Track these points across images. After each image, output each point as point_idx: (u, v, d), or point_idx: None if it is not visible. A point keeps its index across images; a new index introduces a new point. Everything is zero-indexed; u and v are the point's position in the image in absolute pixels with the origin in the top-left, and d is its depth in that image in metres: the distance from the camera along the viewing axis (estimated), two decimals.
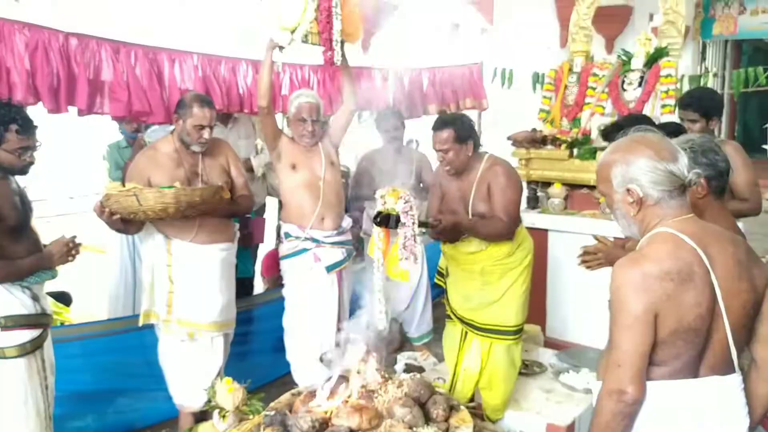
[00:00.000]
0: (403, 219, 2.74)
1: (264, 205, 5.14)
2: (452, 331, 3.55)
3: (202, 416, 3.51)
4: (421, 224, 2.95)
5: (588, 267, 2.81)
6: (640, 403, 1.71)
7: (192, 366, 3.51)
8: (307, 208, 3.77)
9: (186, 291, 3.45)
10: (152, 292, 3.48)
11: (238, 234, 3.77)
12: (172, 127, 3.57)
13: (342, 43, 3.48)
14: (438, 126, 3.23)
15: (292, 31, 3.34)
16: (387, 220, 2.77)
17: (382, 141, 4.78)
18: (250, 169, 4.62)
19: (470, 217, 3.27)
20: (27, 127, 2.71)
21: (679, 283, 1.66)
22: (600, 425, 1.74)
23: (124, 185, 3.16)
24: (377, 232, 2.84)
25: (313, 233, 3.78)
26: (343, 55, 3.54)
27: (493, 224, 3.19)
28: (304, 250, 3.79)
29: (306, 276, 3.81)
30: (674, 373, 1.73)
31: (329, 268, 3.80)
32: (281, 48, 3.48)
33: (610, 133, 3.37)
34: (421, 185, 4.75)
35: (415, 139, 4.98)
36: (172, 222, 3.30)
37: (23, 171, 2.78)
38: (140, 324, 3.51)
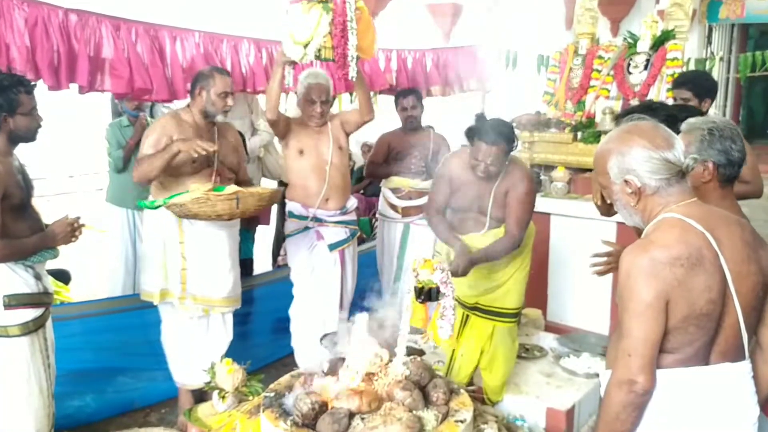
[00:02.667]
0: (443, 290, 2.67)
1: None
2: None
3: (201, 396, 3.52)
4: None
5: (600, 274, 2.78)
6: (650, 394, 1.69)
7: (198, 344, 3.53)
8: (312, 189, 3.79)
9: (199, 267, 3.46)
10: (165, 270, 3.47)
11: None
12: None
13: (357, 58, 3.34)
14: (494, 139, 3.02)
15: (305, 46, 3.24)
16: (429, 296, 2.68)
17: (400, 119, 4.76)
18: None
19: (488, 220, 3.23)
20: (30, 87, 2.73)
21: (689, 268, 1.64)
22: (609, 416, 1.72)
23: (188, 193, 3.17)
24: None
25: (317, 212, 3.79)
26: (358, 71, 3.42)
27: (504, 245, 3.16)
28: (307, 228, 3.81)
29: (309, 254, 3.83)
30: (685, 361, 1.71)
31: (332, 247, 3.82)
32: (293, 63, 3.40)
33: (623, 116, 3.30)
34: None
35: (429, 125, 4.90)
36: None
37: (35, 135, 2.77)
38: (157, 303, 3.51)
